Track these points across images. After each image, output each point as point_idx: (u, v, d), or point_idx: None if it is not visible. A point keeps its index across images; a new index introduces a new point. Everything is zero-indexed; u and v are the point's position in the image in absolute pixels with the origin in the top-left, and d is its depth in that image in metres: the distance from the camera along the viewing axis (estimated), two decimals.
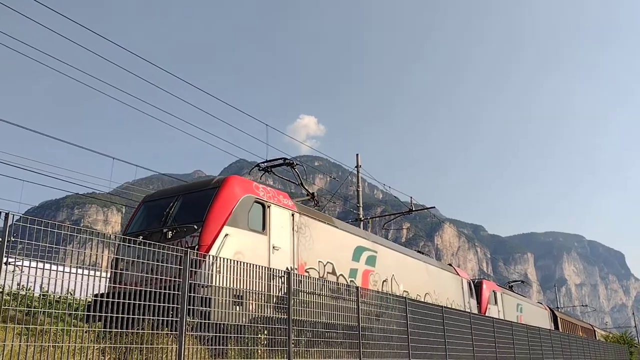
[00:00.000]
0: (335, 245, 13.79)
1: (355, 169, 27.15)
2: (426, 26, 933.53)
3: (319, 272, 12.67)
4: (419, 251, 22.42)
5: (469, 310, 20.50)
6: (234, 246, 10.31)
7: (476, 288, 25.30)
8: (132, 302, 6.78)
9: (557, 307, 68.80)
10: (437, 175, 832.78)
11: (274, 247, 11.29)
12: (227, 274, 7.97)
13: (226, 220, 10.43)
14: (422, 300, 17.14)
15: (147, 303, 6.68)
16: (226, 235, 10.27)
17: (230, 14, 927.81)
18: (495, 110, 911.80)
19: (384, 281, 15.84)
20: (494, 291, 26.99)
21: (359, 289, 11.04)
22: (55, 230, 5.87)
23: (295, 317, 8.95)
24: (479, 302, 24.83)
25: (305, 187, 15.67)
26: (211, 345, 7.66)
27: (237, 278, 8.10)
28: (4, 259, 5.41)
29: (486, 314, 23.43)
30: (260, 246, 11.08)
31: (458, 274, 23.14)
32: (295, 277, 9.39)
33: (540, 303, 41.13)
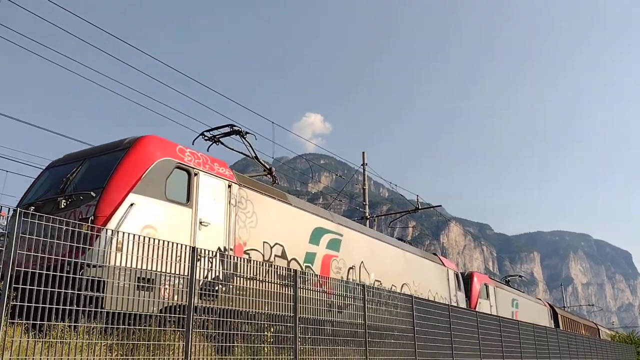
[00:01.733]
0: (287, 225, 12.08)
1: (361, 167, 27.09)
2: (437, 23, 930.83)
3: (263, 255, 11.05)
4: (401, 239, 21.00)
5: (455, 304, 19.55)
6: (142, 219, 8.62)
7: (466, 280, 23.95)
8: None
9: (564, 307, 68.49)
10: (444, 173, 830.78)
11: (201, 223, 9.56)
12: (130, 252, 6.62)
13: (133, 187, 8.70)
14: (400, 290, 15.75)
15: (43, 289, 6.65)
16: (131, 204, 8.53)
17: (237, 11, 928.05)
18: (505, 109, 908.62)
19: (350, 268, 14.20)
20: (485, 284, 25.37)
21: (365, 286, 11.01)
22: None
23: (228, 307, 7.93)
24: (468, 296, 23.39)
25: (260, 160, 13.77)
26: (217, 342, 7.66)
27: (144, 257, 6.77)
28: None
29: (476, 309, 21.77)
30: (182, 221, 9.31)
31: (443, 263, 21.39)
32: (230, 260, 8.74)
33: (540, 299, 39.19)
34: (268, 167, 14.19)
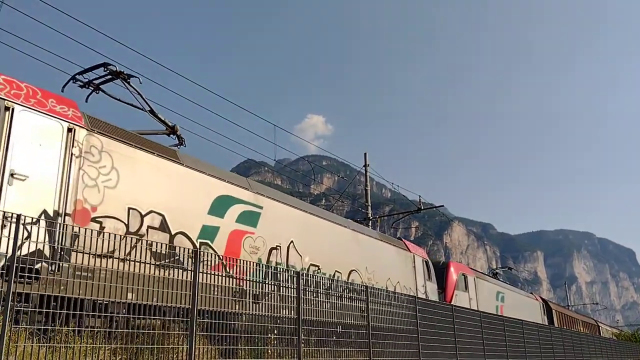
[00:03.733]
0: (172, 189, 9.79)
1: (364, 168, 27.10)
2: (435, 22, 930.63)
3: (128, 225, 8.71)
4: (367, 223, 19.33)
5: (423, 295, 18.01)
6: None
7: (441, 270, 21.67)
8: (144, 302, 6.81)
9: (567, 305, 68.24)
10: (446, 174, 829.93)
11: (12, 175, 7.33)
12: None
13: None
14: (346, 279, 13.79)
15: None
16: None
17: (239, 12, 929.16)
18: (506, 108, 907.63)
19: (272, 249, 11.87)
20: (464, 275, 22.99)
21: (368, 287, 10.98)
22: None
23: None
24: (443, 287, 21.19)
25: (157, 113, 11.46)
26: (221, 345, 7.67)
27: None
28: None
29: (452, 302, 20.10)
30: None
31: (408, 249, 19.00)
32: (63, 230, 7.37)
33: (532, 293, 36.25)
34: (171, 124, 11.83)
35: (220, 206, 10.76)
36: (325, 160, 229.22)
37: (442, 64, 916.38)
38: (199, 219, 10.22)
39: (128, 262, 7.29)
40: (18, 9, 11.14)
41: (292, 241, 12.58)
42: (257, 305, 8.67)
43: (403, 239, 20.21)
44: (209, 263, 7.91)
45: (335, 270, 13.80)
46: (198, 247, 9.82)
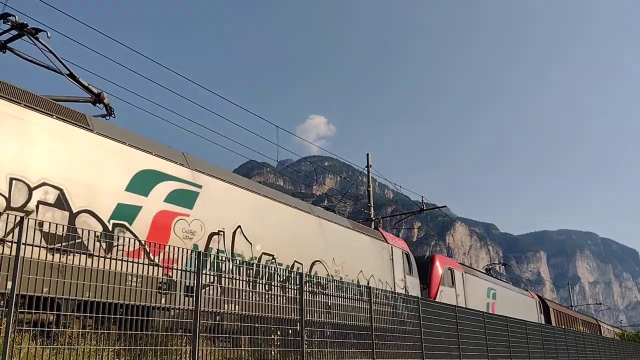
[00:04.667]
0: (78, 159, 8.39)
1: (366, 168, 27.09)
2: (440, 25, 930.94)
3: (8, 198, 7.36)
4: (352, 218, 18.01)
5: (402, 290, 16.77)
6: None
7: (425, 264, 20.48)
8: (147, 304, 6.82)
9: (571, 306, 68.03)
10: (449, 174, 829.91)
11: None
12: None
13: None
14: (308, 271, 12.66)
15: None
16: None
17: (239, 13, 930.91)
18: (509, 108, 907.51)
19: (213, 234, 10.44)
20: (450, 269, 21.61)
21: (372, 289, 10.97)
22: None
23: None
24: (427, 282, 19.87)
25: (77, 77, 10.15)
26: (224, 346, 7.67)
27: None
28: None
29: (437, 298, 19.04)
30: None
31: (386, 240, 17.48)
32: None
33: (527, 290, 34.74)
34: (96, 91, 10.40)
35: (143, 182, 9.29)
36: (327, 161, 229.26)
37: (443, 64, 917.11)
38: (113, 196, 8.70)
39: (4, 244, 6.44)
40: None
41: (239, 226, 11.11)
42: (190, 299, 7.48)
43: (381, 229, 18.69)
44: (128, 248, 6.97)
45: (295, 261, 12.46)
46: (110, 229, 8.42)
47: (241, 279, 8.24)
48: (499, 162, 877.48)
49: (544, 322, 29.78)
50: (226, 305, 8.06)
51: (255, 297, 8.63)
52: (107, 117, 10.48)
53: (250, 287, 8.53)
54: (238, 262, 9.01)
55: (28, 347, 5.59)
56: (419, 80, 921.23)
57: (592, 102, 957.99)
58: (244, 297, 8.36)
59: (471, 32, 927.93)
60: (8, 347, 5.14)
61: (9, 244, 6.23)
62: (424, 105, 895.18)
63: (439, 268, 20.79)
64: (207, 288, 7.85)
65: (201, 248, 9.93)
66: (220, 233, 10.63)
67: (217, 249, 10.34)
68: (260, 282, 8.81)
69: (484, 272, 29.56)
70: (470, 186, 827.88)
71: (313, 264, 13.10)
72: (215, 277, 8.06)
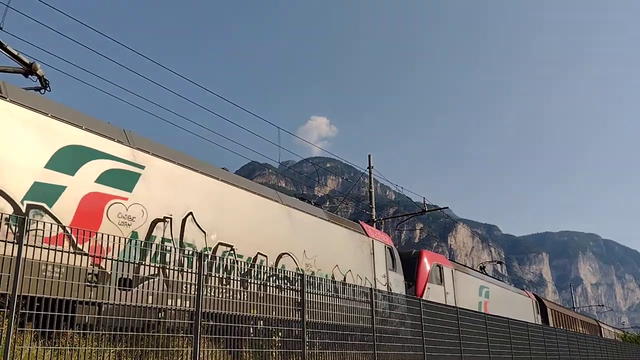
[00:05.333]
0: None
1: (368, 169, 27.08)
2: (439, 22, 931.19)
3: None
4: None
5: (384, 287, 15.89)
6: None
7: (412, 261, 19.44)
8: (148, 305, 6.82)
9: (573, 307, 67.88)
10: (451, 175, 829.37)
11: None
12: None
13: None
14: (274, 265, 11.73)
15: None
16: None
17: (240, 12, 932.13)
18: (510, 109, 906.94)
19: (157, 221, 9.32)
20: (439, 266, 20.57)
21: (372, 290, 10.95)
22: None
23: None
24: (413, 279, 18.89)
25: (7, 47, 9.42)
26: (226, 347, 7.67)
27: None
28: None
29: (424, 296, 18.13)
30: None
31: (366, 233, 16.42)
32: None
33: (523, 290, 33.55)
34: (28, 61, 9.71)
35: (69, 159, 8.28)
36: (329, 162, 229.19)
37: (445, 65, 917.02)
38: (28, 173, 7.69)
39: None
40: None
41: (190, 213, 10.04)
42: (127, 294, 6.85)
43: (361, 222, 17.56)
44: (45, 234, 6.05)
45: (258, 253, 11.42)
46: (24, 211, 7.46)
47: (191, 271, 7.46)
48: (501, 164, 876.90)
49: (541, 323, 29.14)
50: (170, 300, 7.46)
51: (227, 294, 8.08)
52: (42, 91, 9.70)
53: (211, 283, 7.80)
54: (188, 252, 8.30)
55: (30, 348, 5.60)
56: (421, 81, 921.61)
57: (593, 106, 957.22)
58: (216, 294, 7.74)
59: (480, 32, 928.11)
60: (9, 348, 5.15)
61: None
62: (425, 106, 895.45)
63: (426, 264, 19.73)
64: (148, 281, 7.40)
65: (142, 236, 8.87)
66: (167, 220, 9.50)
67: (162, 238, 9.30)
68: (216, 276, 8.06)
69: (479, 270, 28.65)
70: (472, 187, 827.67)
71: (280, 256, 12.04)
72: (160, 269, 7.61)
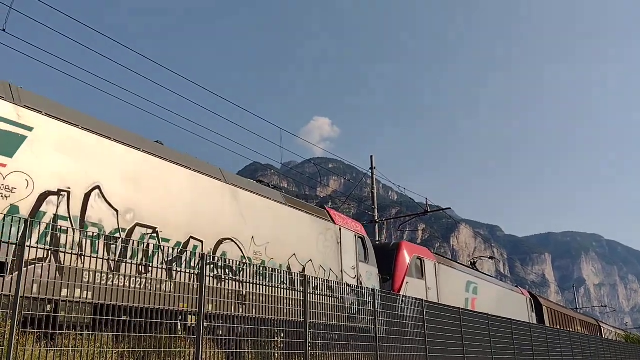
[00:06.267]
0: None
1: (370, 170, 27.10)
2: (442, 24, 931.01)
3: None
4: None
5: (354, 280, 14.64)
6: None
7: (390, 253, 18.03)
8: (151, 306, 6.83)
9: (576, 308, 67.72)
10: (453, 176, 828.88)
11: None
12: None
13: None
14: (212, 251, 10.32)
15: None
16: None
17: (243, 12, 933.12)
18: (513, 109, 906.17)
19: (48, 194, 7.90)
20: (419, 258, 18.93)
21: (375, 290, 10.95)
22: None
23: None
24: (391, 272, 17.48)
25: None
26: (228, 348, 7.66)
27: None
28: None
29: (402, 291, 16.66)
30: None
31: (333, 220, 14.90)
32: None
33: (517, 286, 32.00)
34: None
35: None
36: (331, 162, 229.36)
37: (448, 65, 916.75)
38: None
39: None
40: None
41: (97, 187, 8.59)
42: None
43: (328, 208, 15.81)
44: None
45: (191, 237, 10.00)
46: None
47: (96, 257, 6.69)
48: (503, 164, 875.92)
49: (535, 322, 28.20)
50: (65, 290, 6.80)
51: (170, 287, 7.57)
52: None
53: (127, 271, 7.23)
54: (93, 233, 7.54)
55: (32, 349, 5.61)
56: (425, 82, 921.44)
57: (594, 104, 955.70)
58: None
59: (484, 32, 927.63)
60: (12, 349, 5.16)
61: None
62: (428, 107, 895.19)
63: (405, 256, 18.14)
64: (35, 265, 6.57)
65: (25, 211, 7.44)
66: (62, 194, 8.05)
67: (56, 215, 7.85)
68: (133, 263, 7.39)
69: (469, 265, 27.17)
70: (474, 188, 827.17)
71: (220, 242, 10.57)
72: (49, 252, 6.73)
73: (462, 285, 22.05)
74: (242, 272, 8.89)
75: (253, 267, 9.03)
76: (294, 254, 12.64)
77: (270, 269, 9.24)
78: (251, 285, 8.58)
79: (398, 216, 37.07)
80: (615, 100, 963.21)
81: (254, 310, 8.33)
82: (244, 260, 9.68)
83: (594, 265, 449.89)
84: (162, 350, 6.73)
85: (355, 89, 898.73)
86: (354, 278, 14.75)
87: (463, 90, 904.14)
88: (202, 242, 10.15)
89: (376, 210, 26.75)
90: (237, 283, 8.60)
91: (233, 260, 9.30)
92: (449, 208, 33.18)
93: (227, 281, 8.52)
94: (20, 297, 5.36)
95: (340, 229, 14.92)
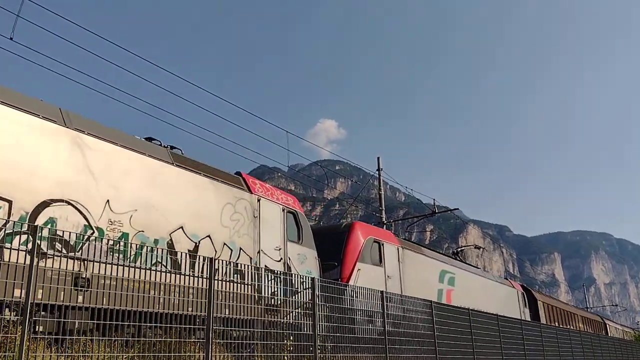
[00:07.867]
0: None
1: (377, 172, 27.06)
2: (445, 22, 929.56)
3: None
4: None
5: (279, 263, 12.06)
6: None
7: (339, 235, 15.20)
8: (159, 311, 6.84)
9: (586, 307, 67.18)
10: (461, 176, 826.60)
11: None
12: None
13: None
14: (28, 216, 7.28)
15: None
16: None
17: (248, 16, 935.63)
18: (521, 109, 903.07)
19: None
20: (376, 241, 15.81)
21: (383, 292, 10.93)
22: None
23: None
24: (339, 257, 14.51)
25: None
26: (237, 352, 7.67)
27: None
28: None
29: (352, 280, 13.92)
30: None
31: (249, 189, 12.03)
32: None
33: (507, 279, 29.03)
34: None
35: None
36: (338, 164, 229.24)
37: (452, 66, 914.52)
38: None
39: None
40: None
41: None
42: None
43: (244, 174, 12.56)
44: None
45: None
46: None
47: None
48: (511, 164, 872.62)
49: (529, 317, 26.27)
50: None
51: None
52: None
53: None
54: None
55: (43, 355, 5.64)
56: (429, 82, 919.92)
57: (601, 103, 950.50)
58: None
59: (489, 32, 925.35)
60: (23, 354, 5.19)
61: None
62: (435, 107, 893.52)
63: (359, 238, 15.12)
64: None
65: None
66: None
67: None
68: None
69: (453, 255, 24.60)
70: (482, 188, 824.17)
71: (42, 205, 7.71)
72: None
73: (434, 275, 19.17)
74: (82, 248, 7.41)
75: (102, 241, 7.57)
76: (181, 227, 9.87)
77: (137, 246, 7.94)
78: (100, 265, 7.11)
79: (406, 217, 37.00)
80: (615, 101, 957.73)
81: (104, 300, 6.77)
82: (89, 232, 7.81)
83: (604, 264, 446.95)
84: (172, 354, 6.73)
85: (363, 91, 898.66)
86: (279, 261, 12.13)
87: (471, 88, 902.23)
88: (9, 202, 7.32)
89: (383, 212, 26.71)
90: (74, 262, 7.02)
91: (64, 231, 6.91)
92: (457, 209, 33.07)
93: (54, 259, 6.79)
94: (31, 303, 5.39)
95: (259, 200, 12.06)
